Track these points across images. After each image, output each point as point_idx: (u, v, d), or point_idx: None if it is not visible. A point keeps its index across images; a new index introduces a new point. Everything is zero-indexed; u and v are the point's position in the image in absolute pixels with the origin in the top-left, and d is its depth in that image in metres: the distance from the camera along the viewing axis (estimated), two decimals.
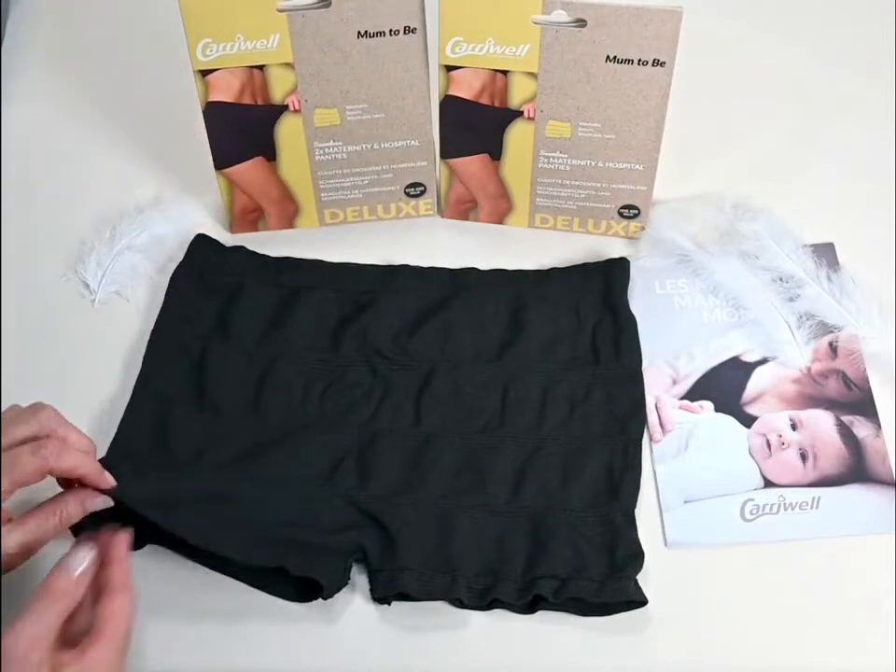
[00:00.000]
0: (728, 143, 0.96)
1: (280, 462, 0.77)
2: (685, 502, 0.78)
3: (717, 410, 0.82)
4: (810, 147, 0.96)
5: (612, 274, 0.87)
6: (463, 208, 0.92)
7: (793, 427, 0.81)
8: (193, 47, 0.81)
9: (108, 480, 0.69)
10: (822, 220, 0.90)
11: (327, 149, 0.88)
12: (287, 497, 0.76)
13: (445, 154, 0.89)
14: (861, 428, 0.81)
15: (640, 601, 0.73)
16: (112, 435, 0.79)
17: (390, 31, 0.81)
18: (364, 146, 0.88)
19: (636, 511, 0.77)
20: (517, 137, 0.86)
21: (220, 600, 0.74)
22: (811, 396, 0.82)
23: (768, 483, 0.79)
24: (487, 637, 0.73)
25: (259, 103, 0.84)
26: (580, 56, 0.80)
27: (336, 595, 0.73)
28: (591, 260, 0.88)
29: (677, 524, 0.77)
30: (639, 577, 0.74)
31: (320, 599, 0.72)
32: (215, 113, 0.85)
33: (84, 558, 0.66)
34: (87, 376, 0.84)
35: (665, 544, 0.77)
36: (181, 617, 0.74)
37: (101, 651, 0.64)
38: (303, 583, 0.72)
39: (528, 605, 0.74)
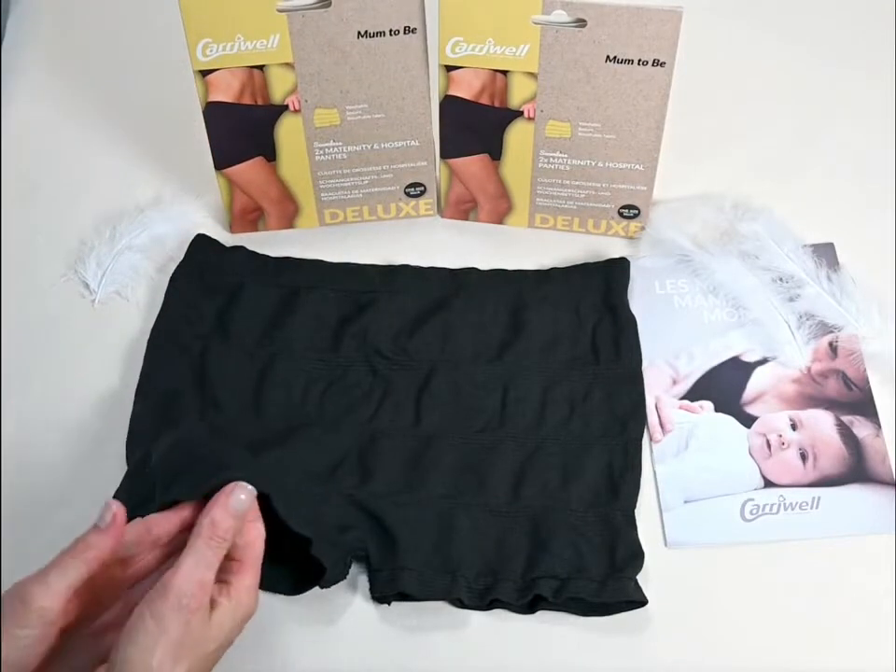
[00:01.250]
0: (728, 143, 0.96)
1: (280, 459, 0.77)
2: (685, 502, 0.78)
3: (717, 410, 0.82)
4: (810, 147, 0.96)
5: (612, 274, 0.87)
6: (463, 208, 0.92)
7: (793, 427, 0.81)
8: (193, 47, 0.81)
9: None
10: (822, 220, 0.90)
11: (327, 149, 0.88)
12: (288, 494, 0.75)
13: (445, 154, 0.89)
14: (861, 428, 0.81)
15: (640, 601, 0.73)
16: (112, 435, 0.79)
17: (390, 31, 0.81)
18: (364, 146, 0.88)
19: (636, 510, 0.77)
20: (517, 137, 0.86)
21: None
22: (811, 396, 0.82)
23: (768, 483, 0.79)
24: (487, 637, 0.73)
25: (259, 103, 0.84)
26: (580, 56, 0.80)
27: (336, 595, 0.73)
28: (591, 260, 0.88)
29: (677, 524, 0.77)
30: (639, 577, 0.74)
31: (319, 601, 0.73)
32: (215, 113, 0.85)
33: (244, 501, 0.64)
34: (87, 376, 0.84)
35: (665, 544, 0.77)
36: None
37: (247, 578, 0.64)
38: (300, 574, 0.72)
39: (528, 605, 0.74)
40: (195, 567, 0.61)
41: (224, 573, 0.64)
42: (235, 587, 0.64)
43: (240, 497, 0.64)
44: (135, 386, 0.82)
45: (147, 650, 0.59)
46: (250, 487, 0.65)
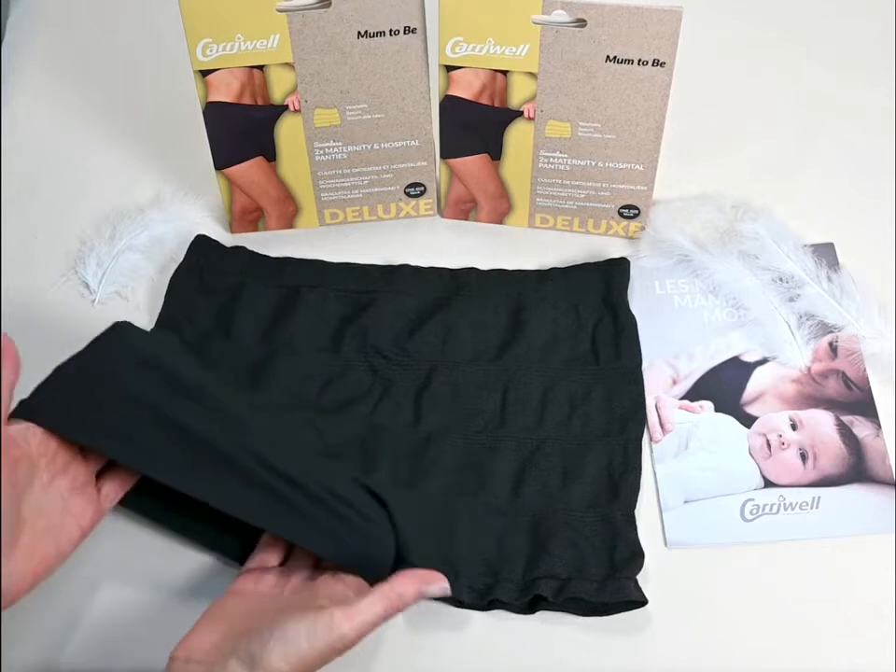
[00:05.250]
0: (728, 143, 0.96)
1: (284, 430, 0.75)
2: (685, 502, 0.78)
3: (717, 410, 0.82)
4: (810, 147, 0.96)
5: (612, 274, 0.87)
6: (463, 208, 0.92)
7: (793, 427, 0.81)
8: (193, 47, 0.81)
9: None
10: (822, 220, 0.91)
11: (327, 149, 0.88)
12: (292, 453, 0.73)
13: (445, 154, 0.89)
14: (861, 428, 0.81)
15: (640, 601, 0.73)
16: None
17: (390, 31, 0.81)
18: (364, 146, 0.88)
19: (636, 511, 0.77)
20: (517, 137, 0.86)
21: (219, 595, 0.74)
22: (811, 396, 0.82)
23: (768, 483, 0.79)
24: (487, 637, 0.73)
25: (259, 103, 0.84)
26: (580, 56, 0.80)
27: None
28: (591, 260, 0.88)
29: (677, 524, 0.77)
30: (639, 577, 0.74)
31: None
32: (215, 113, 0.85)
33: (435, 593, 0.68)
34: None
35: (665, 544, 0.77)
36: (179, 615, 0.73)
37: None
38: None
39: (528, 605, 0.74)
40: (364, 624, 0.65)
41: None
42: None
43: (439, 587, 0.68)
44: None
45: (296, 644, 0.63)
46: (446, 585, 0.68)
